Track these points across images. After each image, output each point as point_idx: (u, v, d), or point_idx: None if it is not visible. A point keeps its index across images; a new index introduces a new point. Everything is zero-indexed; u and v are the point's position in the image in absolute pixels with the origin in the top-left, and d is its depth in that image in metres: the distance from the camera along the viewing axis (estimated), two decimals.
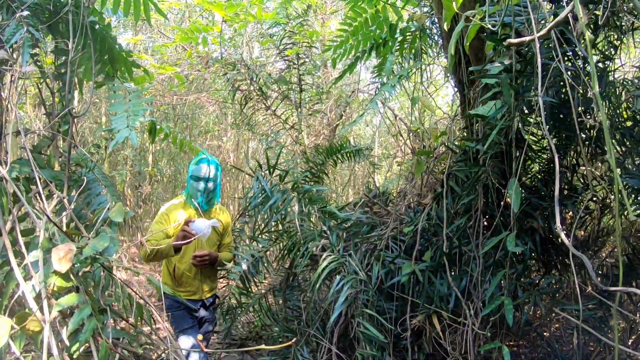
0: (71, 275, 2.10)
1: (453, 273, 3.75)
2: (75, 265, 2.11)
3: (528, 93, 3.03)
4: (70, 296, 2.08)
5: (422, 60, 4.43)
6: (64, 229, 2.51)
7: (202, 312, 4.13)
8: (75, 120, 3.05)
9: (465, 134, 4.26)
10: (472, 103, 3.93)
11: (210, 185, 3.95)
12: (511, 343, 4.54)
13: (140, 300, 2.39)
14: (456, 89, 4.47)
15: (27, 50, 2.76)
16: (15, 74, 2.63)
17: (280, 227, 4.36)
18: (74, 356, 2.05)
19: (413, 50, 4.62)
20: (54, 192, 2.54)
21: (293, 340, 2.60)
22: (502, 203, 3.74)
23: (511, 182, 2.91)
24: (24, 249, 2.22)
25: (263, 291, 4.89)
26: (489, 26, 2.50)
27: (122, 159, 11.28)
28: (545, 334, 4.49)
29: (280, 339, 4.30)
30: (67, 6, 2.93)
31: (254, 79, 5.24)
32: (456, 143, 4.12)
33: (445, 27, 2.51)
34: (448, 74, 4.79)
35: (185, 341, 3.90)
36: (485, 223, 3.83)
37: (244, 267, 4.11)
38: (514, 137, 3.07)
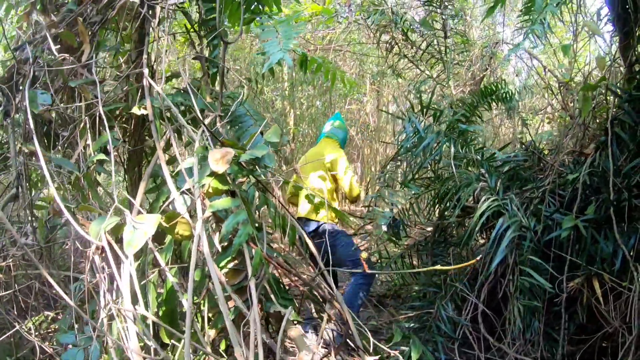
0: (227, 179, 2.02)
1: (620, 230, 3.20)
2: (232, 174, 2.04)
3: None
4: (226, 199, 2.01)
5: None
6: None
7: None
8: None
9: (628, 77, 3.75)
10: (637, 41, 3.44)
11: None
12: None
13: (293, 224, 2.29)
14: (614, 27, 3.94)
15: None
16: (166, 5, 2.62)
17: (432, 172, 4.15)
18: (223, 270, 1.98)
19: None
20: (209, 114, 2.52)
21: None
22: None
23: None
24: (178, 157, 2.19)
25: (406, 244, 4.71)
26: None
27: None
28: None
29: (420, 298, 4.11)
30: None
31: (398, 23, 4.99)
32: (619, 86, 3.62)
33: None
34: (601, 18, 4.23)
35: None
36: None
37: (384, 228, 4.01)
38: None
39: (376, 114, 11.86)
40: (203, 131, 2.15)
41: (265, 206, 2.33)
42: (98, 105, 2.21)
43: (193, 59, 3.76)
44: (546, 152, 4.74)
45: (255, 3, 3.25)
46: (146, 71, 2.39)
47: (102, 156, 2.19)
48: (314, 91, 11.09)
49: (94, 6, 3.01)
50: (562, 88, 5.32)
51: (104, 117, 2.20)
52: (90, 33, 2.91)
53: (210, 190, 1.94)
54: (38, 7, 3.14)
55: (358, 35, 8.52)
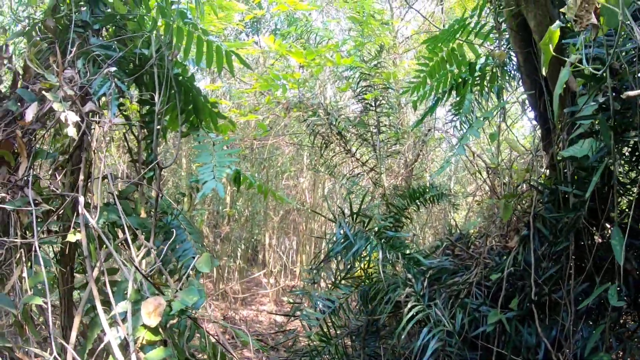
0: (160, 329, 2.10)
1: (542, 322, 3.48)
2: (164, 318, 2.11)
3: (628, 133, 2.85)
4: (159, 350, 2.07)
5: (503, 99, 4.30)
6: (150, 276, 2.53)
7: None
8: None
9: (549, 172, 4.06)
10: (557, 139, 3.75)
11: None
12: None
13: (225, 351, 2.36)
14: (537, 124, 4.29)
15: (114, 102, 2.86)
16: (104, 126, 2.71)
17: (362, 272, 4.29)
18: None
19: (491, 88, 4.49)
20: (142, 241, 2.58)
21: None
22: (594, 245, 3.49)
23: (614, 231, 2.72)
24: (111, 297, 2.24)
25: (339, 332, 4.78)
26: (581, 63, 2.37)
27: (201, 199, 11.53)
28: None
29: None
30: (152, 59, 3.03)
31: (333, 124, 5.25)
32: (541, 181, 3.93)
33: (544, 72, 2.39)
34: (525, 108, 4.61)
35: None
36: (573, 264, 3.57)
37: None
38: (616, 182, 2.86)
39: (312, 191, 12.06)
40: (136, 269, 2.21)
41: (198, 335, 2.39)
42: (34, 240, 2.25)
43: (130, 161, 3.84)
44: (475, 235, 5.00)
45: (194, 114, 3.40)
46: (82, 200, 2.45)
47: (38, 300, 2.21)
48: (251, 169, 11.24)
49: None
50: (489, 172, 5.64)
51: (39, 253, 2.24)
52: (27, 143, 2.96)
53: (144, 342, 2.02)
54: None
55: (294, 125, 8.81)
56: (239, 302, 10.90)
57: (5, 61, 3.52)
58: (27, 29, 3.57)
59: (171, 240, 2.80)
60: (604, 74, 2.65)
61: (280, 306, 11.21)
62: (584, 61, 2.36)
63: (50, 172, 3.09)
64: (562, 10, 2.33)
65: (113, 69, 2.77)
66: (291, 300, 8.77)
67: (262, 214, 12.23)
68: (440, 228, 9.84)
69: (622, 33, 2.34)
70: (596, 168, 2.87)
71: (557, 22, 2.19)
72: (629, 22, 2.06)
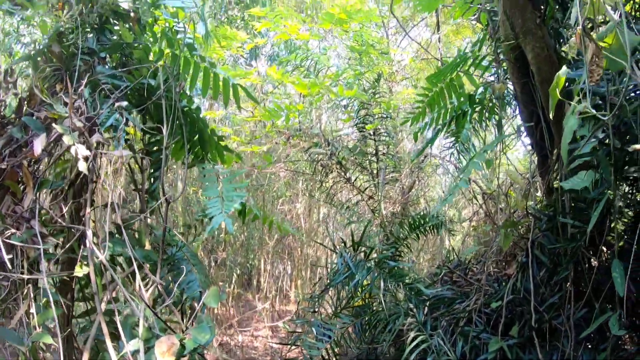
0: None
1: (542, 348, 3.50)
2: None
3: (628, 168, 2.89)
4: None
5: (502, 131, 4.35)
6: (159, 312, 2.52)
7: None
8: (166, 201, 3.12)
9: (546, 200, 4.10)
10: (555, 167, 3.79)
11: None
12: None
13: None
14: (533, 150, 4.34)
15: (122, 134, 2.88)
16: (111, 157, 2.72)
17: (362, 301, 4.30)
18: None
19: (490, 118, 4.55)
20: (148, 274, 2.58)
21: None
22: (593, 269, 3.52)
23: (614, 263, 2.75)
24: (122, 334, 2.23)
25: None
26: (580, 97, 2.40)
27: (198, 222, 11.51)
28: None
29: None
30: (159, 90, 3.05)
31: (334, 153, 5.30)
32: (538, 207, 3.96)
33: (551, 116, 2.43)
34: (521, 133, 4.66)
35: None
36: (572, 290, 3.60)
37: None
38: (616, 216, 2.89)
39: (308, 216, 12.05)
40: (145, 308, 2.21)
41: None
42: (42, 276, 2.24)
43: (133, 190, 3.84)
44: (473, 261, 5.02)
45: (199, 146, 3.42)
46: (89, 234, 2.46)
47: (48, 339, 2.20)
48: (247, 194, 11.22)
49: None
50: (486, 198, 5.67)
51: (48, 291, 2.23)
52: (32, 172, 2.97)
53: None
54: None
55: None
56: (233, 327, 10.81)
57: (10, 85, 3.54)
58: (32, 53, 3.59)
59: (177, 273, 2.80)
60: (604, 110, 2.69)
61: (276, 332, 11.13)
62: (588, 98, 2.40)
63: (53, 201, 3.08)
64: (564, 49, 2.38)
65: (124, 103, 2.78)
66: (287, 327, 8.73)
67: (257, 239, 12.20)
68: (437, 253, 9.86)
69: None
70: (597, 202, 2.89)
71: (564, 67, 2.24)
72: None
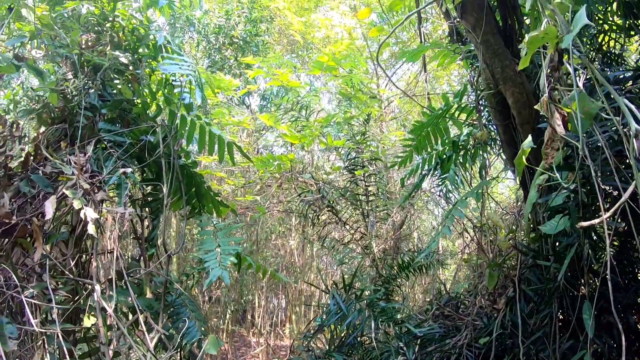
0: None
1: None
2: None
3: (596, 216, 3.07)
4: None
5: (485, 176, 4.55)
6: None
7: None
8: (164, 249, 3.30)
9: (532, 237, 4.28)
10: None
11: None
12: None
13: None
14: (520, 186, 4.52)
15: (124, 192, 3.06)
16: (116, 215, 2.90)
17: (354, 340, 4.43)
18: None
19: (474, 161, 4.75)
20: (152, 324, 2.74)
21: None
22: (576, 304, 3.67)
23: (585, 306, 2.92)
24: None
25: None
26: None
27: (191, 260, 11.62)
28: None
29: None
30: (159, 149, 3.25)
31: (325, 197, 5.50)
32: (525, 241, 4.13)
33: (518, 180, 2.65)
34: (507, 169, 4.85)
35: None
36: (560, 322, 3.74)
37: None
38: (585, 264, 3.08)
39: (301, 251, 12.18)
40: (151, 357, 2.37)
41: None
42: (57, 330, 2.41)
43: (133, 238, 4.01)
44: (464, 294, 5.17)
45: (196, 198, 3.60)
46: (98, 288, 2.62)
47: None
48: (240, 230, 11.37)
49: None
50: (476, 231, 5.84)
51: (62, 344, 2.39)
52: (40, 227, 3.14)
53: None
54: None
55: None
56: None
57: (16, 139, 3.72)
58: (37, 107, 3.77)
59: (177, 319, 2.96)
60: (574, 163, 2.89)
61: None
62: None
63: (61, 255, 3.24)
64: (536, 107, 2.59)
65: (129, 170, 2.97)
66: None
67: (251, 275, 12.30)
68: (430, 285, 9.98)
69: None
70: (569, 247, 3.08)
71: (529, 138, 2.45)
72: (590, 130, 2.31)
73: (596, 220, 2.02)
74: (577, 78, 2.41)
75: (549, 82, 2.42)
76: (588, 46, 4.18)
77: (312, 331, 4.61)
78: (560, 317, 3.72)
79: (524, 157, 2.43)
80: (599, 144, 2.98)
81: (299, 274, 12.14)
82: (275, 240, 12.62)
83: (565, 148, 3.13)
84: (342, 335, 4.35)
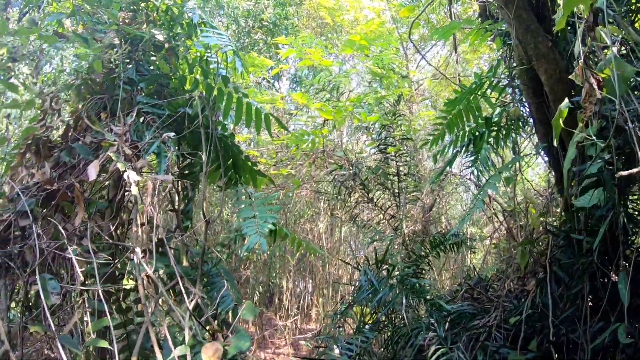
0: None
1: None
2: None
3: (631, 186, 3.05)
4: None
5: (517, 151, 4.51)
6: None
7: None
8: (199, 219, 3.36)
9: (565, 216, 4.24)
10: (570, 183, 3.92)
11: None
12: None
13: None
14: (551, 168, 4.47)
15: (164, 160, 3.12)
16: (156, 182, 2.96)
17: (385, 317, 4.46)
18: None
19: (506, 140, 4.71)
20: (190, 287, 2.80)
21: None
22: (608, 285, 3.64)
23: (621, 276, 2.90)
24: (169, 339, 2.45)
25: None
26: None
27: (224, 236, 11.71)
28: None
29: None
30: (197, 120, 3.30)
31: (357, 174, 5.51)
32: (556, 224, 4.10)
33: (555, 144, 2.63)
34: (540, 152, 4.80)
35: None
36: (591, 304, 3.72)
37: None
38: (621, 232, 3.05)
39: (330, 235, 12.22)
40: (190, 316, 2.43)
41: None
42: (97, 287, 2.48)
43: (169, 210, 4.08)
44: (493, 278, 5.16)
45: (233, 170, 3.65)
46: (138, 251, 2.69)
47: (104, 343, 2.43)
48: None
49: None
50: (506, 215, 5.81)
51: (103, 302, 2.47)
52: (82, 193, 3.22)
53: None
54: (32, 149, 3.46)
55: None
56: (255, 344, 10.95)
57: (55, 112, 3.81)
58: (76, 82, 3.86)
59: (212, 287, 3.02)
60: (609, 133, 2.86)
61: (298, 350, 11.25)
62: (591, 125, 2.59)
63: (100, 220, 3.32)
64: (570, 77, 2.58)
65: (172, 134, 3.03)
66: (309, 345, 8.86)
67: (279, 257, 12.38)
68: (458, 271, 9.95)
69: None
70: (604, 219, 3.05)
71: (566, 100, 2.44)
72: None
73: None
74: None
75: (583, 43, 2.40)
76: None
77: (343, 308, 4.66)
78: (590, 302, 3.71)
79: (561, 119, 2.42)
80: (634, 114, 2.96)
81: (327, 258, 12.18)
82: (304, 224, 12.67)
83: (599, 119, 3.11)
84: (373, 311, 4.38)
